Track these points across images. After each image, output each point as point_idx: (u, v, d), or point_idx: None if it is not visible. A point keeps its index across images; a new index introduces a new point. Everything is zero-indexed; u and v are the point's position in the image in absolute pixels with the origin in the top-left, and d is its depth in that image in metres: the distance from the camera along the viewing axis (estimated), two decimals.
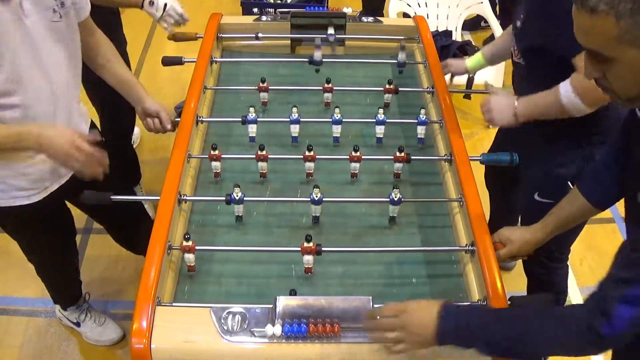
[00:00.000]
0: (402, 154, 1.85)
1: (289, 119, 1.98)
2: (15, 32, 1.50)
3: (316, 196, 1.70)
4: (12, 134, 1.53)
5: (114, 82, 1.93)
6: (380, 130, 2.00)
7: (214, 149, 1.83)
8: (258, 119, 1.96)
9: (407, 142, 2.05)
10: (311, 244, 1.56)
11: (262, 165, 1.86)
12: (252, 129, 1.97)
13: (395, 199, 1.71)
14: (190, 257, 1.59)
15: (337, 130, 1.99)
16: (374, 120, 1.99)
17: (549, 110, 1.71)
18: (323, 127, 2.04)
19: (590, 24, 1.03)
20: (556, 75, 1.67)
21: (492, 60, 2.17)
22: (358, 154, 1.84)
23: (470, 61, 2.19)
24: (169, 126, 1.96)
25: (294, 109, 1.96)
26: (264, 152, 1.84)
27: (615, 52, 1.03)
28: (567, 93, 1.64)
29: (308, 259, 1.58)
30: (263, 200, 1.83)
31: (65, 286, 2.38)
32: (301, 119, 1.98)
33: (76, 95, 1.80)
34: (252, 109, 1.94)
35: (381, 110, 1.98)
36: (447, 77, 2.25)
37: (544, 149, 1.88)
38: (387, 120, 1.99)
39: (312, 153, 1.83)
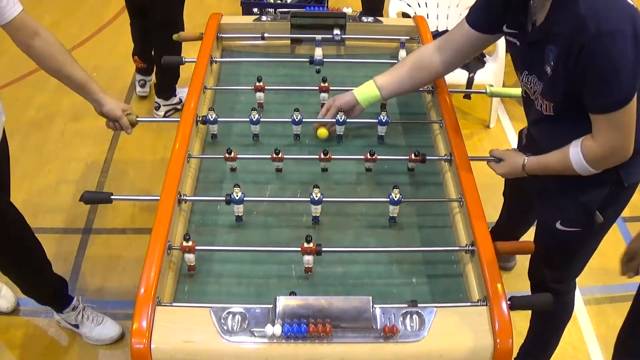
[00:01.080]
0: (419, 157, 1.86)
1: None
2: None
3: (316, 196, 1.70)
4: None
5: (70, 86, 1.89)
6: (341, 129, 1.99)
7: (229, 153, 1.84)
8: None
9: (407, 142, 2.05)
10: (311, 244, 1.56)
11: (279, 164, 1.87)
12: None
13: (395, 199, 1.71)
14: (190, 257, 1.59)
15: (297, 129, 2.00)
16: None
17: (556, 170, 1.70)
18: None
19: None
20: (587, 125, 1.60)
21: (389, 94, 1.97)
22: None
23: (359, 93, 1.97)
24: (129, 131, 1.97)
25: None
26: (280, 155, 1.84)
27: None
28: (577, 157, 1.61)
29: (308, 259, 1.58)
30: (263, 200, 1.83)
31: (41, 294, 2.34)
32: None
33: None
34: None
35: (341, 113, 1.95)
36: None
37: (567, 175, 1.71)
38: (348, 120, 1.97)
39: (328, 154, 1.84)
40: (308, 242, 1.56)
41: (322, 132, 1.99)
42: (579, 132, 1.62)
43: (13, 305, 2.52)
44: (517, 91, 2.25)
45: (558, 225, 1.81)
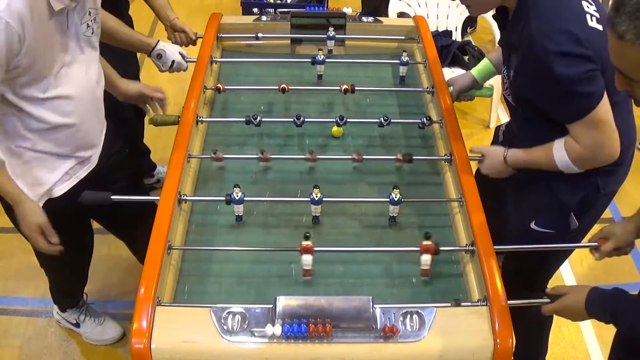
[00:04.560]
0: (401, 156, 1.85)
1: (292, 120, 1.98)
2: (63, 43, 1.57)
3: (316, 196, 1.70)
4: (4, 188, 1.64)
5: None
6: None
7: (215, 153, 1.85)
8: (263, 120, 1.97)
9: (407, 143, 2.06)
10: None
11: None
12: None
13: (395, 199, 1.71)
14: (308, 259, 1.56)
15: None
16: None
17: (539, 165, 1.70)
18: (324, 127, 2.05)
19: (618, 47, 1.10)
20: (552, 127, 1.63)
21: (500, 67, 2.00)
22: (360, 156, 1.84)
23: (476, 70, 2.10)
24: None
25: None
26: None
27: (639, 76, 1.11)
28: (561, 156, 1.62)
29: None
30: (263, 200, 1.83)
31: (72, 291, 2.37)
32: (300, 120, 1.99)
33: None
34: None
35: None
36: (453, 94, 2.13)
37: (547, 172, 1.71)
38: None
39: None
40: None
41: (338, 130, 2.04)
42: (549, 127, 1.63)
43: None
44: (483, 92, 2.23)
45: (533, 225, 1.80)
